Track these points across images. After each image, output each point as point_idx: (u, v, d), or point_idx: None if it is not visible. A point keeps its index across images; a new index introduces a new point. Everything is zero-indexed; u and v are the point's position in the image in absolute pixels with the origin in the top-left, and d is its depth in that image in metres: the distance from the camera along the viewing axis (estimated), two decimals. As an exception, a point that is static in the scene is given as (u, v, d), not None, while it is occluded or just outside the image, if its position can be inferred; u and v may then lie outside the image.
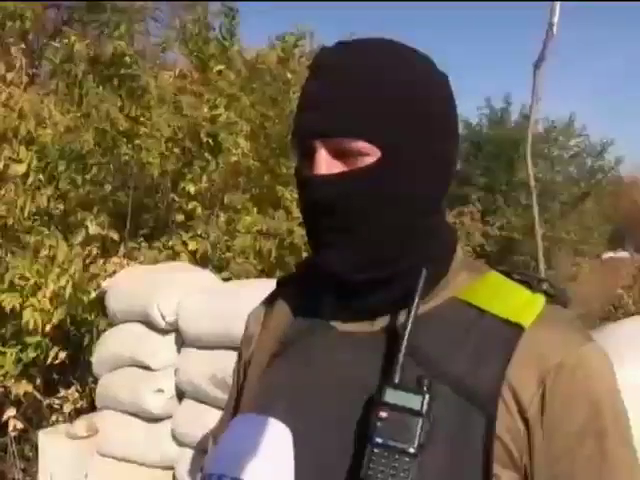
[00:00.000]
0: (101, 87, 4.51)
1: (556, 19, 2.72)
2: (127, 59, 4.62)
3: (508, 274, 0.85)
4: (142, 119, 4.53)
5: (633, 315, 4.47)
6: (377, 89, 0.77)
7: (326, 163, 0.78)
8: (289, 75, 5.23)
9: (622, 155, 15.24)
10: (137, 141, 4.41)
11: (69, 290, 3.55)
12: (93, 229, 3.97)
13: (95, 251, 3.97)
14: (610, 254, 15.88)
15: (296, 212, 4.56)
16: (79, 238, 3.89)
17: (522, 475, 0.74)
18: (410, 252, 0.81)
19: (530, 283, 0.82)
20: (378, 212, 0.78)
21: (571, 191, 14.25)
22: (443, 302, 0.82)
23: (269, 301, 1.00)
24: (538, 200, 3.90)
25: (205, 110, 4.65)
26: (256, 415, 0.83)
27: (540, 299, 0.80)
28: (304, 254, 4.50)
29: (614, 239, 18.46)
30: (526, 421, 0.73)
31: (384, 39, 0.83)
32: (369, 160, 0.77)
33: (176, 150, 4.67)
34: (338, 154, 0.78)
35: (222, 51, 5.47)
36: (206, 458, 1.03)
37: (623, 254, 15.80)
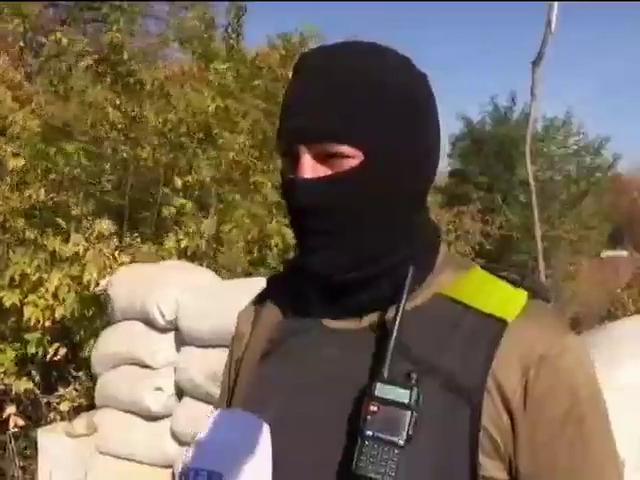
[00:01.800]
0: (98, 84, 4.50)
1: (554, 17, 2.72)
2: (124, 54, 4.63)
3: (492, 270, 0.87)
4: (139, 115, 4.54)
5: (633, 314, 4.48)
6: (359, 92, 0.78)
7: (311, 167, 0.79)
8: (290, 74, 5.22)
9: (620, 152, 15.21)
10: (131, 134, 4.43)
11: (93, 283, 3.58)
12: (106, 225, 3.97)
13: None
14: (609, 253, 15.89)
15: (273, 196, 4.60)
16: (95, 233, 3.89)
17: (507, 465, 0.77)
18: (395, 250, 0.83)
19: (513, 279, 0.84)
20: (362, 213, 0.80)
21: (570, 190, 14.25)
22: (429, 299, 0.84)
23: (259, 299, 1.02)
24: (537, 198, 3.89)
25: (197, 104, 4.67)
26: (233, 410, 0.85)
27: (522, 294, 0.82)
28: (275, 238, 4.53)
29: (613, 238, 18.46)
30: (510, 412, 0.76)
31: (365, 42, 0.85)
32: (353, 163, 0.78)
33: (166, 141, 4.69)
34: (322, 158, 0.79)
35: (228, 49, 5.48)
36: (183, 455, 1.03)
37: (622, 253, 15.81)
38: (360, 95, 0.78)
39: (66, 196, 4.18)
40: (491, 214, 12.22)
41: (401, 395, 0.75)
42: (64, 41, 4.45)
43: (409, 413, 0.74)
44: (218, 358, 2.94)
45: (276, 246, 4.54)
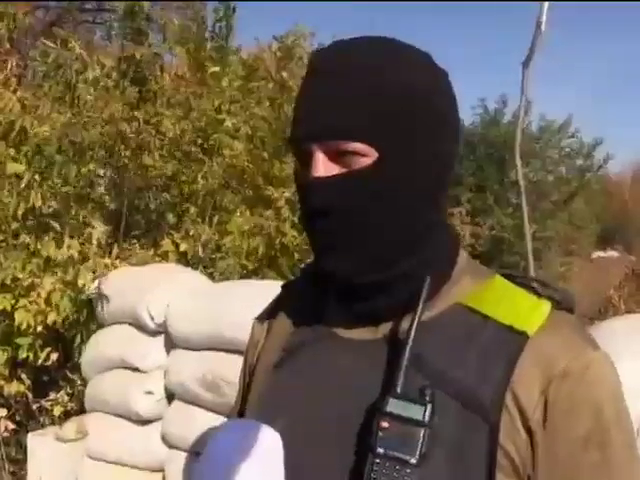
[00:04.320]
0: (113, 96, 4.48)
1: (544, 18, 2.73)
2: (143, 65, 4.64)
3: (512, 277, 0.84)
4: (152, 121, 4.54)
5: (623, 315, 4.49)
6: (373, 89, 0.76)
7: (324, 166, 0.77)
8: (285, 74, 5.20)
9: (611, 153, 15.29)
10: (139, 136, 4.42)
11: (87, 288, 3.56)
12: (100, 230, 3.93)
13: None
14: (600, 254, 15.97)
15: (285, 213, 4.57)
16: (94, 239, 3.86)
17: None
18: (410, 253, 0.80)
19: (535, 288, 0.81)
20: (377, 213, 0.78)
21: (561, 190, 14.30)
22: (447, 308, 0.81)
23: (274, 306, 1.00)
24: (529, 200, 3.89)
25: (207, 112, 4.66)
26: (246, 421, 0.83)
27: (546, 305, 0.78)
28: (295, 255, 4.51)
29: (604, 239, 18.54)
30: (530, 430, 0.73)
31: (380, 37, 0.82)
32: (367, 161, 0.76)
33: (177, 153, 4.67)
34: (335, 156, 0.77)
35: (219, 50, 5.45)
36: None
37: (613, 254, 15.89)
38: (373, 92, 0.76)
39: (63, 204, 4.15)
40: (483, 215, 12.27)
41: (414, 411, 0.72)
42: (77, 50, 4.40)
43: (422, 430, 0.71)
44: (208, 361, 2.93)
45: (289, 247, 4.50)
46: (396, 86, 0.77)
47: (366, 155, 0.76)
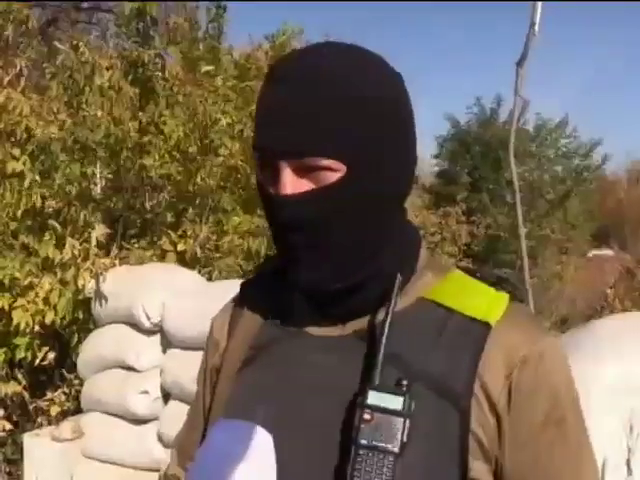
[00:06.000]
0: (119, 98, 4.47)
1: (538, 19, 2.73)
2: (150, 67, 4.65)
3: (471, 272, 0.87)
4: (155, 122, 4.56)
5: (619, 313, 4.50)
6: (341, 103, 0.75)
7: (291, 183, 0.76)
8: None
9: (609, 153, 15.28)
10: (145, 138, 4.43)
11: (86, 288, 3.56)
12: (100, 230, 3.93)
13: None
14: (595, 252, 16.01)
15: None
16: (93, 241, 3.85)
17: (492, 465, 0.77)
18: (378, 256, 0.82)
19: (492, 281, 0.85)
20: (346, 226, 0.78)
21: (557, 189, 14.33)
22: (412, 303, 0.83)
23: (234, 305, 0.99)
24: (525, 198, 3.90)
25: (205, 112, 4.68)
26: (237, 421, 0.83)
27: (504, 297, 0.82)
28: None
29: (599, 237, 18.59)
30: (497, 414, 0.76)
31: (345, 46, 0.81)
32: (335, 176, 0.76)
33: (176, 154, 4.68)
34: (303, 172, 0.76)
35: (211, 50, 5.45)
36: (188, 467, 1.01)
37: (608, 252, 15.93)
38: (342, 107, 0.75)
39: (65, 203, 4.15)
40: (479, 214, 12.30)
41: (393, 402, 0.74)
42: (87, 54, 4.39)
43: (402, 420, 0.73)
44: (204, 360, 2.93)
45: None
46: (364, 99, 0.77)
47: (334, 170, 0.75)
